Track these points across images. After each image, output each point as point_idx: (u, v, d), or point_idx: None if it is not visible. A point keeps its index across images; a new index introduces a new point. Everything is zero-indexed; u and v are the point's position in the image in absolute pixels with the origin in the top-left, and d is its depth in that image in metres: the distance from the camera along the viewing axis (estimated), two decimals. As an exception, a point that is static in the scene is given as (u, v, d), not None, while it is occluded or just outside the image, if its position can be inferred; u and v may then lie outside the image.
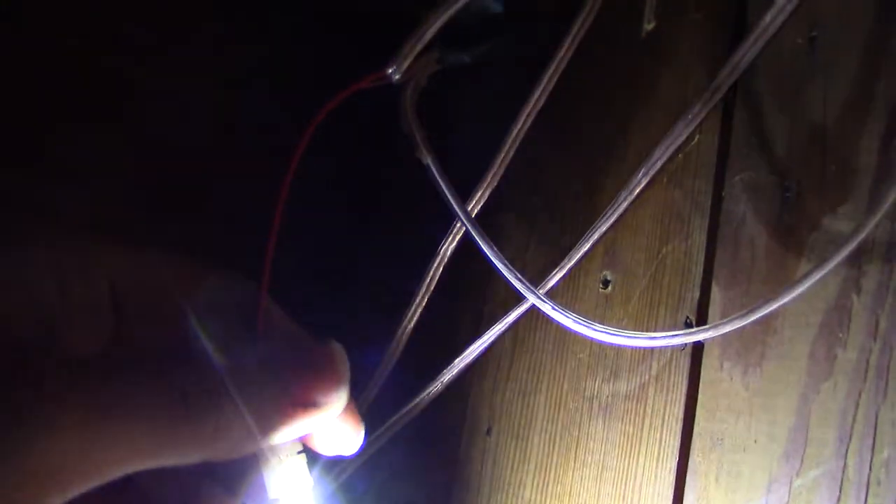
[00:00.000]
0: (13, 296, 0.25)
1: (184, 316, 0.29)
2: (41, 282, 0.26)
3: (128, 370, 0.25)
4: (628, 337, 0.49)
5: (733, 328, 0.44)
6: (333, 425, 0.31)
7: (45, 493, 0.23)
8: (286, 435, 0.28)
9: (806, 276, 0.42)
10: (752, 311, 0.43)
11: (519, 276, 0.53)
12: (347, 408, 0.32)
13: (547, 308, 0.52)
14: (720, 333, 0.45)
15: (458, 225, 0.62)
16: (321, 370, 0.29)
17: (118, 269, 0.28)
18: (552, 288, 0.56)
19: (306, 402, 0.28)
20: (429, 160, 0.56)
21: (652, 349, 0.50)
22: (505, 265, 0.54)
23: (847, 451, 0.40)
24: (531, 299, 0.53)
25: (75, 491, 0.24)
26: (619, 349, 0.52)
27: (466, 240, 0.63)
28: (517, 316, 0.57)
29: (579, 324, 0.50)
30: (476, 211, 0.61)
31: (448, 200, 0.55)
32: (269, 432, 0.27)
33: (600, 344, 0.53)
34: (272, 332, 0.31)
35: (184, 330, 0.29)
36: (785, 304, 0.43)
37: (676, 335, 0.47)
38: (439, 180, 0.56)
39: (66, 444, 0.23)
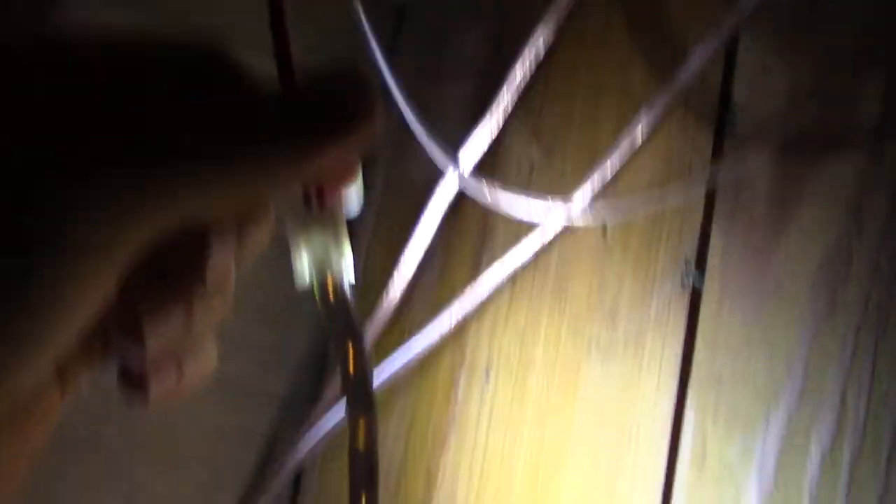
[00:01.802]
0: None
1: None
2: None
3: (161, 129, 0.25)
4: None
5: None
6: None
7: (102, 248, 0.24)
8: (327, 160, 0.27)
9: (805, 220, 0.42)
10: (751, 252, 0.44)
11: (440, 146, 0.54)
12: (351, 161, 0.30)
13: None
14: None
15: (456, 171, 0.62)
16: (348, 85, 0.27)
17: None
18: (555, 237, 0.56)
19: (344, 117, 0.27)
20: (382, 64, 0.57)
21: (651, 290, 0.50)
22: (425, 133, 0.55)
23: (845, 387, 0.40)
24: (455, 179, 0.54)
25: (125, 247, 0.24)
26: (617, 291, 0.52)
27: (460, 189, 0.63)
28: (515, 259, 0.57)
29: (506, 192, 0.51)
30: (477, 159, 0.61)
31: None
32: (303, 164, 0.26)
33: (600, 285, 0.53)
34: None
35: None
36: (786, 238, 0.43)
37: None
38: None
39: (109, 198, 0.24)
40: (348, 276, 0.30)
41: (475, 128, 0.62)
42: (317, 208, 0.29)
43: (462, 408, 0.59)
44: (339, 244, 0.30)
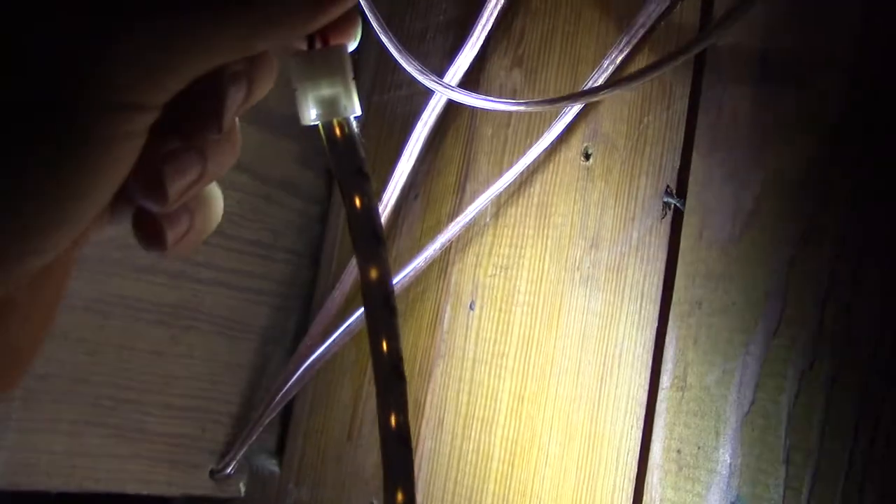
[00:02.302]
0: None
1: None
2: None
3: None
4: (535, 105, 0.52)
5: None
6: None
7: (147, 81, 0.26)
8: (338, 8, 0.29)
9: (783, 143, 0.42)
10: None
11: (420, 66, 0.54)
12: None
13: (459, 97, 0.54)
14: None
15: (437, 101, 0.62)
16: None
17: None
18: (534, 161, 0.56)
19: None
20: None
21: (632, 218, 0.50)
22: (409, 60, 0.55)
23: (823, 309, 0.41)
24: (441, 91, 0.54)
25: (162, 91, 0.26)
26: (599, 219, 0.52)
27: (445, 116, 0.63)
28: (498, 190, 0.57)
29: (489, 101, 0.53)
30: (457, 80, 0.61)
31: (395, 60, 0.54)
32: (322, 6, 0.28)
33: (582, 214, 0.53)
34: None
35: None
36: (765, 164, 0.43)
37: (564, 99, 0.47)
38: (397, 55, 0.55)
39: (141, 46, 0.25)
40: (355, 115, 0.30)
41: (457, 53, 0.61)
42: (321, 49, 0.30)
43: (448, 338, 0.59)
44: (345, 84, 0.30)
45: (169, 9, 0.26)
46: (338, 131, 0.30)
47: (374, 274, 0.30)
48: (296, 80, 0.30)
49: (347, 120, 0.30)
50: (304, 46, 0.30)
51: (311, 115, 0.30)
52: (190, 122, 0.29)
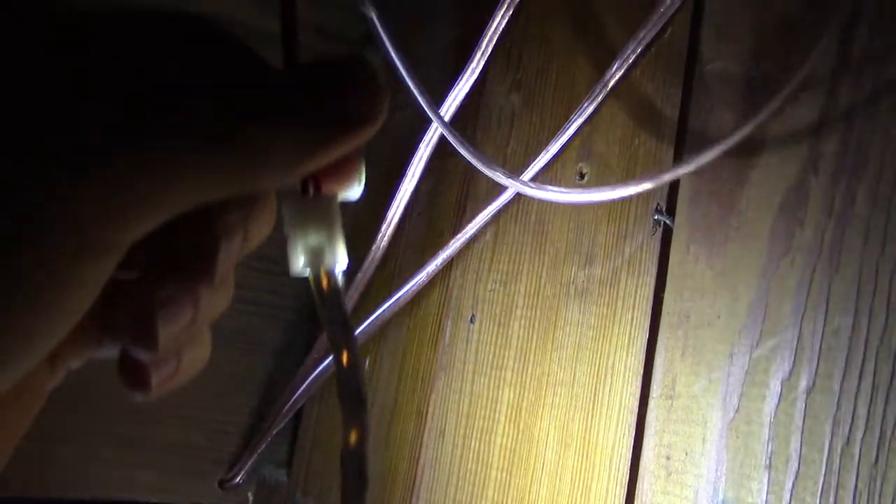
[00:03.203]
0: None
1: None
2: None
3: (168, 103, 0.24)
4: (606, 191, 0.51)
5: (707, 160, 0.46)
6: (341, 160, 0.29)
7: (107, 229, 0.23)
8: (328, 155, 0.27)
9: (770, 163, 0.44)
10: (726, 140, 0.45)
11: (497, 167, 0.55)
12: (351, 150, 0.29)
13: (530, 191, 0.55)
14: (696, 167, 0.46)
15: (435, 125, 0.64)
16: (357, 80, 0.27)
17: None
18: (531, 181, 0.58)
19: (345, 114, 0.27)
20: (373, 14, 0.57)
21: (625, 234, 0.52)
22: (482, 161, 0.56)
23: (802, 322, 0.43)
24: (512, 186, 0.55)
25: (136, 229, 0.24)
26: (593, 235, 0.54)
27: (445, 139, 0.65)
28: (497, 207, 0.59)
29: (559, 192, 0.53)
30: (454, 109, 0.63)
31: (421, 106, 0.57)
32: (313, 150, 0.26)
33: (577, 230, 0.55)
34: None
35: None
36: (748, 183, 0.45)
37: (648, 178, 0.49)
38: (410, 84, 0.57)
39: (121, 172, 0.23)
40: (341, 268, 0.30)
41: (457, 78, 0.64)
42: (313, 195, 0.29)
43: (448, 351, 0.62)
44: (332, 235, 0.29)
45: (132, 144, 0.23)
46: (324, 282, 0.29)
47: (353, 437, 0.29)
48: (285, 223, 0.29)
49: (332, 272, 0.30)
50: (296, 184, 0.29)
51: (298, 262, 0.29)
52: (183, 270, 0.28)
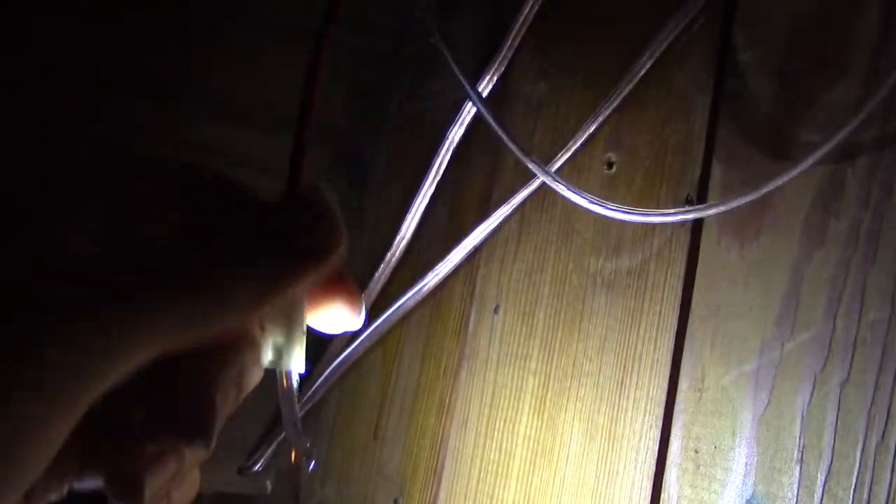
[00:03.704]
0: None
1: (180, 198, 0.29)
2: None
3: (127, 258, 0.26)
4: (636, 214, 0.50)
5: (732, 206, 0.46)
6: (330, 299, 0.31)
7: (69, 389, 0.23)
8: (290, 289, 0.28)
9: (803, 157, 0.43)
10: (751, 191, 0.45)
11: (530, 156, 0.54)
12: (343, 282, 0.31)
13: (559, 187, 0.54)
14: (720, 211, 0.46)
15: (465, 111, 0.64)
16: (313, 216, 0.29)
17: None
18: (558, 170, 0.58)
19: (302, 249, 0.28)
20: (444, 48, 0.57)
21: (654, 225, 0.52)
22: (517, 146, 0.55)
23: (836, 315, 0.42)
24: (542, 177, 0.55)
25: (99, 386, 0.24)
26: (621, 227, 0.54)
27: (473, 126, 0.65)
28: (523, 198, 0.59)
29: (590, 202, 0.52)
30: (486, 93, 0.62)
31: (462, 82, 0.56)
32: (274, 286, 0.27)
33: (604, 222, 0.55)
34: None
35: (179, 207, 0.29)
36: (782, 175, 0.45)
37: (679, 213, 0.49)
38: (452, 64, 0.57)
39: (80, 340, 0.23)
40: (297, 371, 0.31)
41: (486, 65, 0.63)
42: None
43: (472, 341, 0.61)
44: (291, 340, 0.30)
45: (82, 308, 0.24)
46: (283, 381, 0.31)
47: None
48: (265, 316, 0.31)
49: (288, 373, 0.31)
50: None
51: (266, 356, 0.31)
52: (177, 428, 0.28)
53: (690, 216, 0.48)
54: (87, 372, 0.24)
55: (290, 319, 0.30)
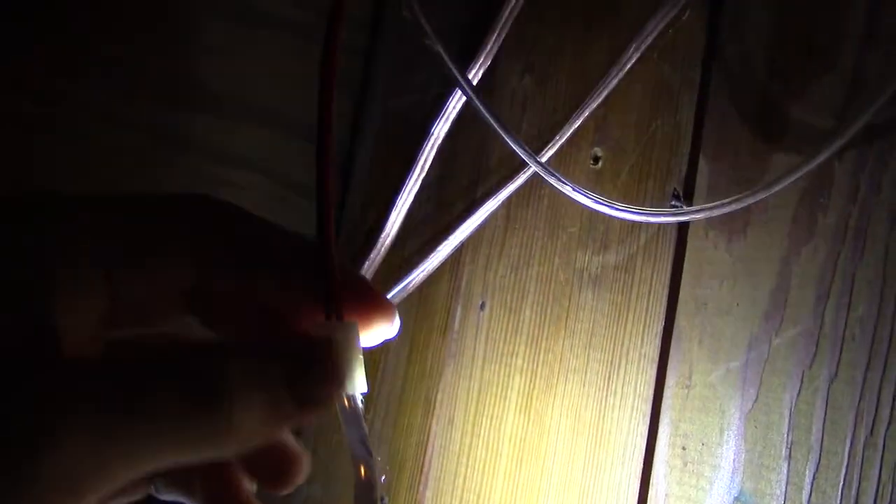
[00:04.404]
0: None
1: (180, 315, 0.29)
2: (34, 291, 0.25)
3: (131, 371, 0.25)
4: (621, 210, 0.50)
5: (719, 213, 0.45)
6: (370, 317, 0.31)
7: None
8: (291, 426, 0.29)
9: (788, 173, 0.43)
10: (737, 200, 0.44)
11: (521, 143, 0.54)
12: (377, 298, 0.31)
13: (548, 176, 0.54)
14: (707, 216, 0.46)
15: (450, 106, 0.63)
16: (319, 363, 0.29)
17: (116, 275, 0.28)
18: (545, 165, 0.57)
19: (305, 399, 0.28)
20: (439, 47, 0.56)
21: (640, 226, 0.51)
22: (508, 134, 0.54)
23: (824, 310, 0.42)
24: (533, 166, 0.54)
25: (90, 497, 0.24)
26: (608, 221, 0.53)
27: (458, 121, 0.64)
28: (509, 193, 0.58)
29: (577, 192, 0.51)
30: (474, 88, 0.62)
31: (451, 71, 0.55)
32: (275, 429, 0.28)
33: (591, 216, 0.54)
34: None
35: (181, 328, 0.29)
36: (770, 168, 0.44)
37: (664, 213, 0.48)
38: (446, 59, 0.56)
39: (74, 452, 0.23)
40: (359, 392, 0.30)
41: (472, 59, 0.62)
42: (336, 322, 0.30)
43: (458, 338, 0.61)
44: (351, 363, 0.30)
45: (84, 427, 0.23)
46: (346, 402, 0.31)
47: None
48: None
49: (352, 396, 0.31)
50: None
51: None
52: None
53: (678, 219, 0.48)
54: (86, 486, 0.23)
55: (348, 342, 0.30)
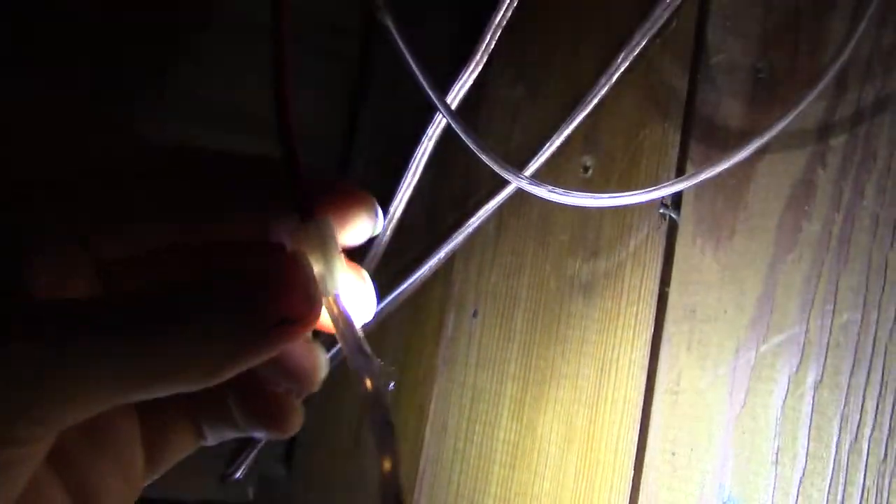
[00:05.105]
0: None
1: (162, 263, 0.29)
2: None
3: (90, 309, 0.25)
4: (608, 198, 0.50)
5: (709, 176, 0.45)
6: (348, 212, 0.29)
7: (25, 426, 0.23)
8: (272, 350, 0.26)
9: (777, 120, 0.43)
10: (726, 159, 0.44)
11: (502, 162, 0.54)
12: (353, 192, 0.30)
13: (532, 189, 0.54)
14: (698, 181, 0.46)
15: (440, 116, 0.64)
16: (282, 281, 0.26)
17: (101, 241, 0.28)
18: (534, 174, 0.58)
19: (274, 322, 0.26)
20: (389, 21, 0.56)
21: (630, 228, 0.52)
22: (486, 153, 0.55)
23: (809, 317, 0.42)
24: (514, 182, 0.54)
25: (53, 425, 0.24)
26: (598, 229, 0.54)
27: (449, 129, 0.64)
28: (500, 201, 0.59)
29: (563, 194, 0.51)
30: (459, 100, 0.62)
31: (429, 95, 0.56)
32: (247, 356, 0.26)
33: (581, 224, 0.55)
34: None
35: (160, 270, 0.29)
36: (755, 176, 0.45)
37: (654, 189, 0.48)
38: (418, 75, 0.56)
39: (25, 376, 0.23)
40: (343, 292, 0.29)
41: (461, 68, 0.63)
42: (305, 221, 0.28)
43: (451, 345, 0.61)
44: (330, 264, 0.28)
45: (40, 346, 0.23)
46: (333, 307, 0.29)
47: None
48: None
49: (336, 297, 0.29)
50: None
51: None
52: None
53: (661, 192, 0.47)
54: (44, 412, 0.23)
55: (322, 239, 0.28)
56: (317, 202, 0.28)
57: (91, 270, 0.28)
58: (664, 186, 0.47)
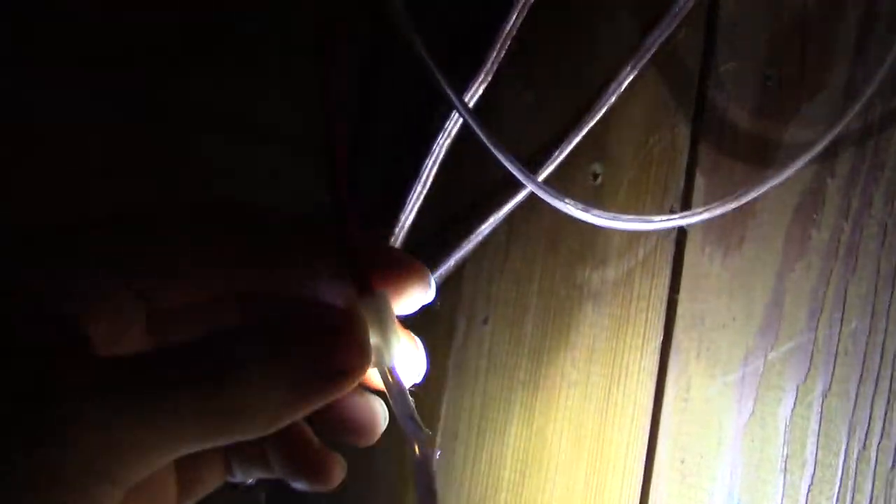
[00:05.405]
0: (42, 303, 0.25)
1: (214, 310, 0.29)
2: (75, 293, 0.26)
3: (156, 364, 0.25)
4: (621, 220, 0.50)
5: (714, 215, 0.46)
6: (404, 284, 0.30)
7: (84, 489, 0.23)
8: (325, 401, 0.27)
9: (784, 166, 0.44)
10: (733, 198, 0.45)
11: (518, 164, 0.55)
12: (408, 263, 0.30)
13: (545, 195, 0.54)
14: (703, 219, 0.47)
15: (453, 121, 0.64)
16: (340, 334, 0.27)
17: (150, 286, 0.28)
18: (544, 181, 0.58)
19: (331, 373, 0.27)
20: (437, 74, 0.57)
21: (639, 236, 0.52)
22: (504, 154, 0.55)
23: (818, 324, 0.42)
24: (530, 186, 0.55)
25: (115, 487, 0.24)
26: (607, 237, 0.54)
27: (460, 136, 0.65)
28: (510, 208, 0.59)
29: (575, 208, 0.52)
30: (472, 103, 0.62)
31: (446, 92, 0.56)
32: (304, 405, 0.27)
33: (591, 232, 0.55)
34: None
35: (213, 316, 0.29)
36: (764, 191, 0.45)
37: (665, 220, 0.49)
38: (435, 72, 0.57)
39: (86, 440, 0.23)
40: (399, 363, 0.30)
41: (472, 76, 0.63)
42: (366, 296, 0.29)
43: (461, 352, 0.61)
44: (385, 335, 0.29)
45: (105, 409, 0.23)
46: (389, 377, 0.30)
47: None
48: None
49: (392, 369, 0.30)
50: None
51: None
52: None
53: (673, 223, 0.49)
54: (111, 469, 0.23)
55: (379, 312, 0.29)
56: (372, 273, 0.29)
57: (143, 320, 0.28)
58: (683, 217, 0.48)
